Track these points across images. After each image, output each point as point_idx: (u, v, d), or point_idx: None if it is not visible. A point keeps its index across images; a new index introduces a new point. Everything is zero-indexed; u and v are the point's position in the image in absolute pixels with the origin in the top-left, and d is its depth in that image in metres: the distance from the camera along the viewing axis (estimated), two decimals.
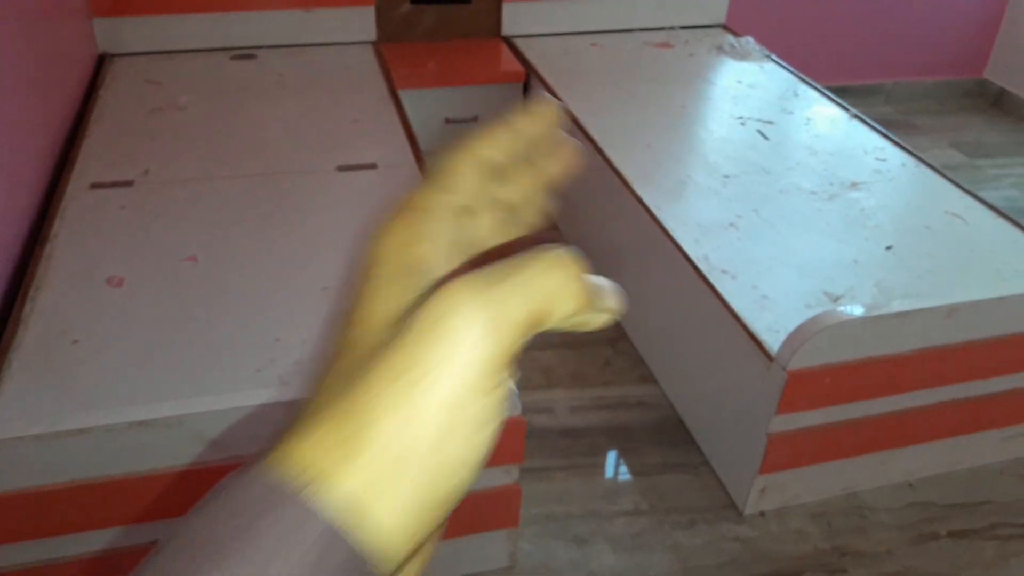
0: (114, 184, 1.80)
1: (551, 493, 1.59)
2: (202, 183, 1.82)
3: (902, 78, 3.35)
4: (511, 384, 1.08)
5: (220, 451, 1.14)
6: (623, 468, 1.65)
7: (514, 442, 1.26)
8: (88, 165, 1.87)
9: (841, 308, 1.38)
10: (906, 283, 1.63)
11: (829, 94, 2.41)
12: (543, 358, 1.92)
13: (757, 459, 1.48)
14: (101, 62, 2.39)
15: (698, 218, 1.79)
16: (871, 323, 1.37)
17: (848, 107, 2.33)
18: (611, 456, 1.68)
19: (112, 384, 1.28)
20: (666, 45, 2.72)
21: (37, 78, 1.87)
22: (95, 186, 1.79)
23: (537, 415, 1.76)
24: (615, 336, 2.00)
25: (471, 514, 1.33)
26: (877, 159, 2.07)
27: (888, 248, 1.73)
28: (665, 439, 1.72)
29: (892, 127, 3.11)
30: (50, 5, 2.09)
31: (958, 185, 1.96)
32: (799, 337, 1.35)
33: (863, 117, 2.27)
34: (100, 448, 1.09)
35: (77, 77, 2.20)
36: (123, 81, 2.29)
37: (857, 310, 1.38)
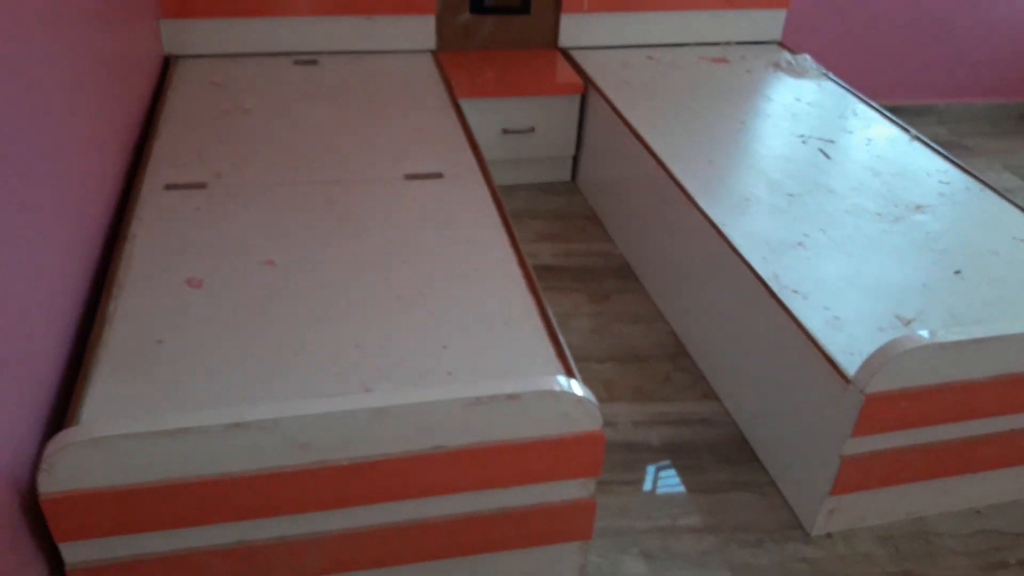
0: (188, 186, 1.83)
1: (615, 507, 1.60)
2: (273, 188, 1.84)
3: (955, 99, 3.33)
4: (591, 397, 1.09)
5: (310, 454, 1.15)
6: (689, 485, 1.65)
7: (593, 455, 1.27)
8: (161, 166, 1.90)
9: (920, 332, 1.37)
10: (978, 309, 1.62)
11: (888, 114, 2.40)
12: (603, 371, 1.92)
13: (828, 481, 1.48)
14: (167, 63, 2.43)
15: (765, 236, 1.79)
16: (950, 348, 1.37)
17: (908, 128, 2.32)
18: (675, 472, 1.68)
19: (199, 385, 1.30)
20: (723, 60, 2.72)
21: (109, 78, 1.90)
22: (169, 187, 1.82)
23: None
24: (675, 351, 2.00)
25: (546, 525, 1.34)
26: (940, 182, 2.06)
27: (957, 273, 1.72)
28: (729, 457, 1.72)
29: (945, 149, 3.10)
30: (119, 6, 2.12)
31: (1023, 210, 1.95)
32: (878, 360, 1.35)
33: (924, 138, 2.26)
34: (195, 448, 1.11)
35: (145, 78, 2.24)
36: (189, 83, 2.32)
37: (936, 335, 1.37)
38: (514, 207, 2.55)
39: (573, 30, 2.71)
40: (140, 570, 1.20)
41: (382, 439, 1.18)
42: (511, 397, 1.19)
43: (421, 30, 2.60)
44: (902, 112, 3.30)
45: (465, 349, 1.42)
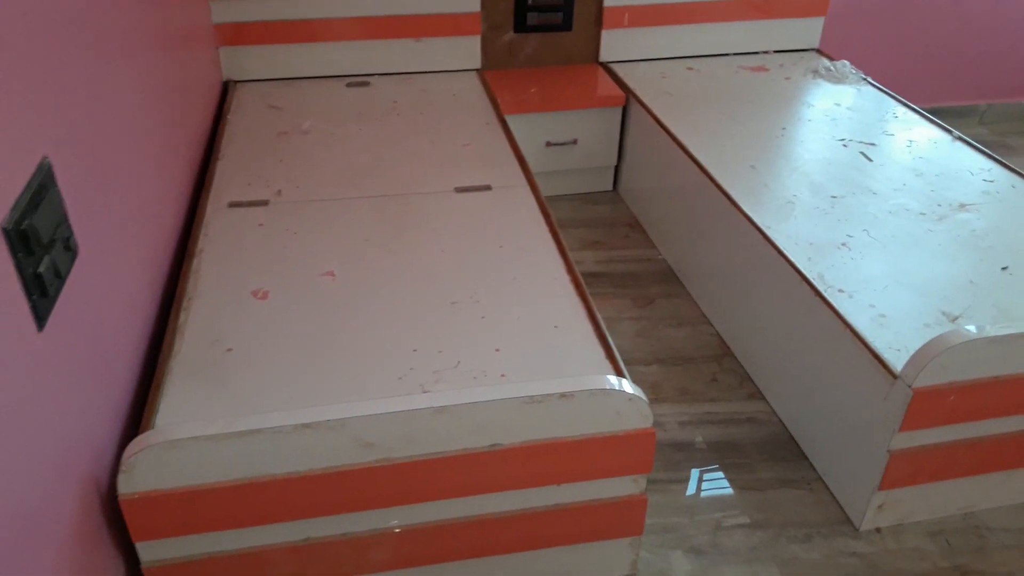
0: (251, 204, 1.92)
1: (667, 504, 1.64)
2: (331, 203, 1.93)
3: (996, 100, 3.31)
4: (642, 395, 1.14)
5: (374, 453, 1.22)
6: (737, 482, 1.69)
7: (644, 452, 1.32)
8: (224, 185, 2.00)
9: (967, 327, 1.40)
10: None
11: (930, 116, 2.41)
12: (649, 373, 1.97)
13: (877, 475, 1.50)
14: (226, 88, 2.55)
15: (809, 237, 1.82)
16: (997, 343, 1.39)
17: (951, 129, 2.33)
18: (723, 470, 1.72)
19: (267, 390, 1.38)
20: (761, 69, 2.76)
21: (173, 103, 2.01)
22: (233, 205, 1.92)
23: None
24: (720, 353, 2.04)
25: (599, 521, 1.39)
26: (985, 180, 2.07)
27: (1004, 269, 1.73)
28: (776, 455, 1.75)
29: (990, 148, 3.09)
30: (182, 36, 2.24)
31: None
32: (925, 355, 1.38)
33: (967, 139, 2.27)
34: (265, 449, 1.18)
35: (207, 102, 2.35)
36: (248, 106, 2.43)
37: (983, 330, 1.39)
38: (558, 216, 2.61)
39: (614, 45, 2.77)
40: (212, 567, 1.27)
41: (442, 437, 1.24)
42: (564, 396, 1.24)
43: (467, 50, 2.69)
44: (943, 114, 3.29)
45: (517, 352, 1.47)
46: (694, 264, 2.25)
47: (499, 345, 1.49)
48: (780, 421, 1.84)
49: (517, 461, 1.29)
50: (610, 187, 2.78)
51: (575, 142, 2.63)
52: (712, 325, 2.14)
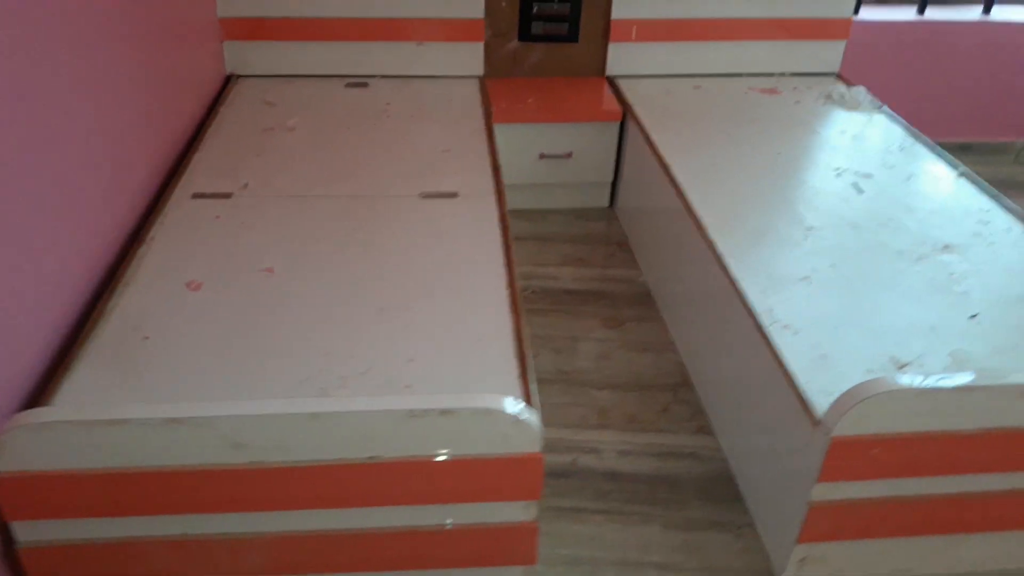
0: (214, 195, 1.94)
1: (583, 536, 1.58)
2: (294, 200, 1.93)
3: None
4: (534, 419, 1.09)
5: (246, 455, 1.20)
6: (662, 520, 1.61)
7: (530, 478, 1.27)
8: (195, 176, 2.02)
9: (897, 376, 1.30)
10: (985, 357, 1.52)
11: (939, 150, 2.28)
12: (600, 398, 1.91)
13: (796, 526, 1.42)
14: (228, 82, 2.58)
15: (770, 269, 1.74)
16: (928, 395, 1.29)
17: (957, 164, 2.20)
18: (653, 505, 1.65)
19: (171, 381, 1.38)
20: (773, 91, 2.66)
21: (164, 93, 2.05)
22: (196, 196, 1.93)
23: (584, 455, 1.75)
24: (679, 383, 1.96)
25: (488, 547, 1.34)
26: (979, 221, 1.95)
27: (973, 317, 1.62)
28: (712, 494, 1.67)
29: (1017, 188, 2.92)
30: (185, 29, 2.28)
31: None
32: (846, 402, 1.29)
33: (972, 175, 2.14)
34: (135, 440, 1.17)
35: (203, 94, 2.39)
36: (243, 100, 2.46)
37: (915, 380, 1.30)
38: (546, 230, 2.57)
39: (621, 59, 2.71)
40: (90, 554, 1.27)
41: (317, 445, 1.21)
42: (445, 412, 1.20)
43: (470, 56, 2.67)
44: (976, 150, 3.13)
45: (430, 364, 1.44)
46: (669, 289, 2.18)
47: (414, 355, 1.46)
48: (725, 459, 1.76)
49: (398, 476, 1.25)
50: (607, 203, 2.72)
51: (570, 155, 2.58)
52: (678, 353, 2.06)
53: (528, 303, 2.23)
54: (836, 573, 1.49)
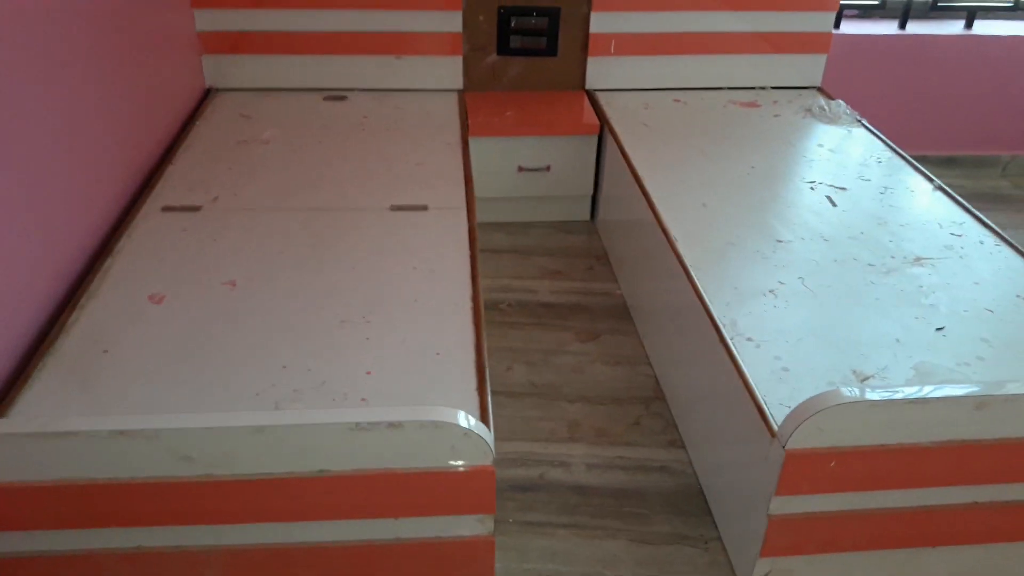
0: (183, 208, 1.94)
1: (548, 550, 1.56)
2: (263, 213, 1.93)
3: (1021, 151, 3.12)
4: (486, 432, 1.08)
5: (195, 467, 1.19)
6: (629, 534, 1.60)
7: (482, 491, 1.25)
8: (166, 189, 2.02)
9: (851, 388, 1.29)
10: (952, 368, 1.51)
11: (915, 163, 2.28)
12: (571, 410, 1.89)
13: (759, 540, 1.40)
14: (206, 95, 2.59)
15: (736, 282, 1.73)
16: (882, 408, 1.28)
17: (933, 178, 2.19)
18: (620, 519, 1.63)
19: (128, 393, 1.38)
20: (752, 105, 2.66)
21: (139, 107, 2.05)
22: (166, 209, 1.93)
23: (552, 469, 1.74)
24: (651, 396, 1.95)
25: (443, 561, 1.33)
26: (952, 234, 1.94)
27: (939, 329, 1.61)
28: (680, 508, 1.65)
29: (1004, 201, 2.92)
30: (162, 41, 2.29)
31: None
32: (799, 415, 1.28)
33: (947, 189, 2.14)
34: (82, 453, 1.16)
35: (180, 107, 2.39)
36: (220, 113, 2.47)
37: (868, 392, 1.28)
38: (525, 243, 2.56)
39: (600, 72, 2.71)
40: (43, 567, 1.26)
41: (265, 458, 1.20)
42: (393, 425, 1.19)
43: (449, 70, 2.67)
44: (962, 163, 3.12)
45: (388, 377, 1.43)
46: (644, 302, 2.17)
47: (373, 368, 1.45)
48: (694, 473, 1.74)
49: (348, 489, 1.24)
50: (587, 216, 2.72)
51: (548, 168, 2.58)
52: (652, 366, 2.05)
53: (504, 316, 2.23)
54: None
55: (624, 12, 2.62)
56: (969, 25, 3.02)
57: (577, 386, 1.97)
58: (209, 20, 2.52)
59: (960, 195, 2.11)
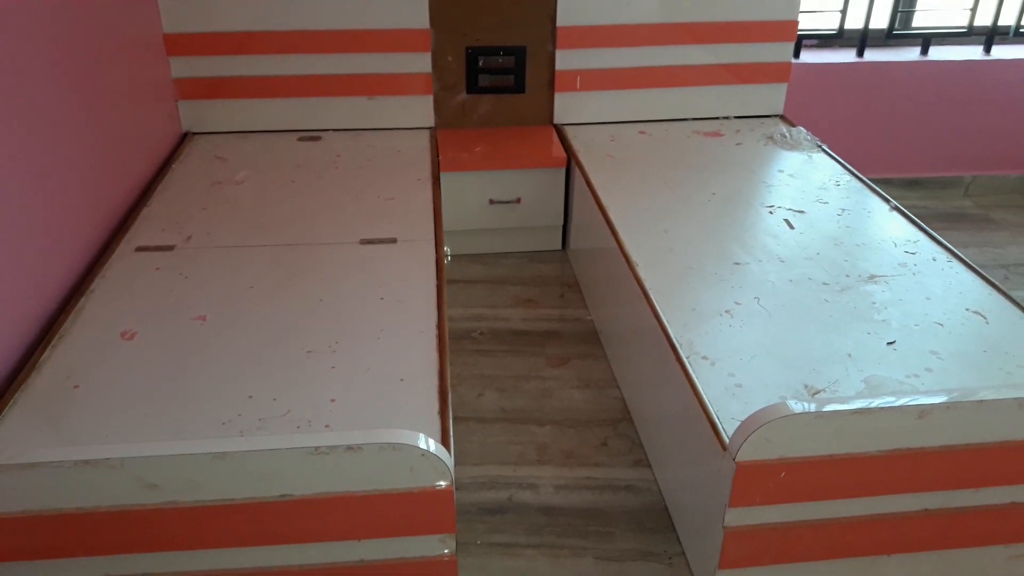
0: (157, 248, 1.99)
1: (515, 570, 1.59)
2: (235, 250, 1.98)
3: (983, 172, 3.20)
4: (444, 453, 1.12)
5: (160, 495, 1.23)
6: (594, 552, 1.63)
7: (442, 511, 1.29)
8: (141, 230, 2.07)
9: (795, 401, 1.33)
10: (901, 381, 1.56)
11: (873, 186, 2.35)
12: (540, 434, 1.93)
13: (716, 552, 1.43)
14: (183, 139, 2.65)
15: (694, 303, 1.78)
16: (828, 419, 1.32)
17: (889, 199, 2.26)
18: (586, 538, 1.66)
19: (95, 427, 1.41)
20: (716, 134, 2.74)
21: (114, 151, 2.11)
22: (140, 249, 1.98)
23: (520, 491, 1.77)
24: (619, 417, 1.99)
25: None
26: (906, 252, 2.00)
27: (890, 344, 1.66)
28: (645, 525, 1.69)
29: (965, 221, 2.99)
30: (138, 89, 2.36)
31: (989, 282, 1.87)
32: (748, 428, 1.32)
33: (903, 209, 2.20)
34: (49, 483, 1.20)
35: (156, 151, 2.45)
36: (195, 157, 2.53)
37: (812, 404, 1.33)
38: (498, 273, 2.61)
39: (567, 107, 2.79)
40: None
41: (227, 484, 1.24)
42: (352, 448, 1.23)
43: (421, 109, 2.75)
44: (925, 184, 3.20)
45: (351, 404, 1.47)
46: (611, 327, 2.22)
47: (337, 396, 1.49)
48: (659, 491, 1.78)
49: (310, 513, 1.27)
50: (559, 246, 2.78)
51: (518, 201, 2.64)
52: (619, 389, 2.10)
53: (477, 344, 2.27)
54: None
55: (588, 49, 2.71)
56: (925, 51, 3.12)
57: (547, 410, 2.01)
58: (184, 67, 2.60)
59: (924, 215, 2.18)
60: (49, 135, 1.78)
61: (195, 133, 2.70)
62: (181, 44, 2.57)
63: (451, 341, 2.21)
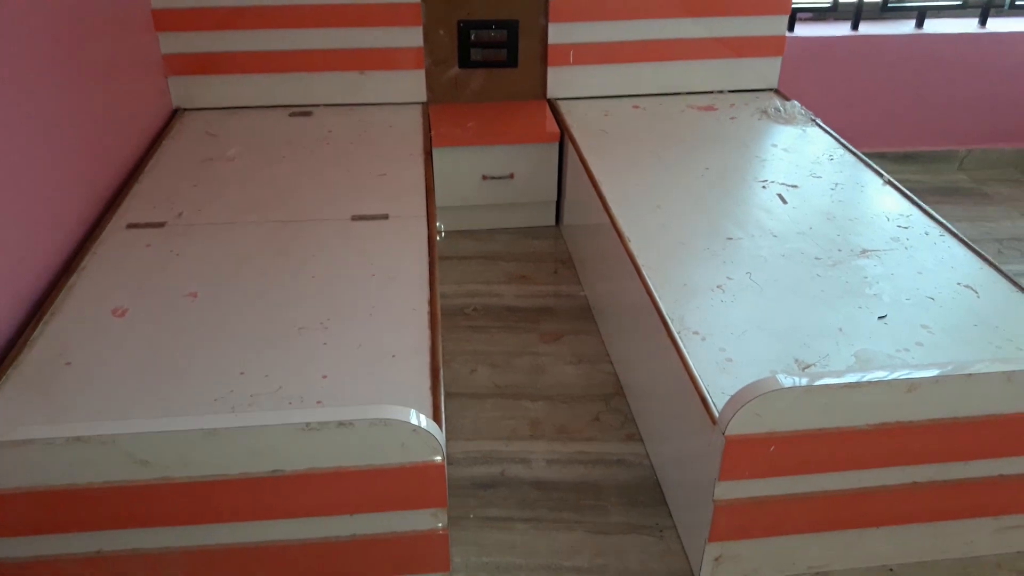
0: (147, 225, 1.98)
1: (508, 544, 1.60)
2: (225, 227, 1.97)
3: (978, 145, 3.20)
4: (436, 429, 1.13)
5: (152, 471, 1.23)
6: (585, 525, 1.64)
7: (433, 485, 1.29)
8: (131, 207, 2.06)
9: (784, 375, 1.34)
10: (891, 355, 1.56)
11: (866, 160, 2.34)
12: (533, 409, 1.94)
13: (707, 525, 1.45)
14: (174, 115, 2.63)
15: (686, 279, 1.78)
16: (815, 392, 1.33)
17: (882, 173, 2.26)
18: (577, 512, 1.67)
19: (88, 403, 1.41)
20: (710, 108, 2.73)
21: (104, 128, 2.10)
22: (131, 226, 1.98)
23: (513, 465, 1.78)
24: (611, 392, 2.00)
25: (400, 555, 1.37)
26: (899, 227, 2.00)
27: (881, 318, 1.67)
28: (636, 499, 1.70)
29: (959, 195, 2.99)
30: (128, 65, 2.34)
31: (982, 256, 1.87)
32: (737, 402, 1.33)
33: (896, 183, 2.20)
34: (41, 459, 1.20)
35: (146, 128, 2.44)
36: (186, 133, 2.51)
37: (802, 378, 1.33)
38: (492, 249, 2.61)
39: (561, 82, 2.77)
40: (3, 573, 1.29)
41: (218, 460, 1.24)
42: (343, 424, 1.24)
43: (412, 84, 2.73)
44: (920, 159, 3.19)
45: (343, 380, 1.48)
46: (604, 303, 2.22)
47: (328, 372, 1.50)
48: (651, 465, 1.79)
49: (302, 488, 1.28)
50: (553, 222, 2.77)
51: (511, 176, 2.63)
52: (612, 364, 2.10)
53: (470, 321, 2.27)
54: (752, 571, 1.52)
55: (582, 23, 2.68)
56: (920, 24, 3.10)
57: (540, 386, 2.02)
58: (174, 43, 2.57)
59: (918, 189, 2.18)
60: (37, 113, 1.76)
61: (186, 109, 2.68)
62: (170, 19, 2.54)
63: (444, 317, 2.21)
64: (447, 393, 1.94)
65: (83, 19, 2.02)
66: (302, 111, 2.68)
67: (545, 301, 2.36)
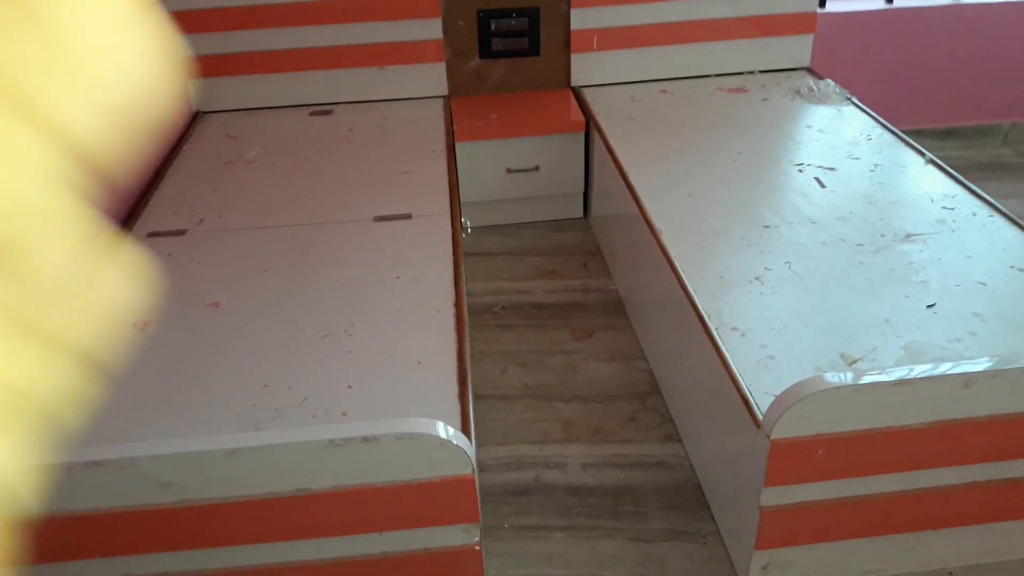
0: (169, 233, 1.95)
1: (545, 554, 1.55)
2: (247, 232, 1.93)
3: (1022, 118, 3.06)
4: (464, 441, 1.07)
5: (173, 493, 1.19)
6: (626, 532, 1.58)
7: (464, 500, 1.24)
8: (153, 214, 2.03)
9: (831, 374, 1.26)
10: (943, 346, 1.48)
11: (907, 138, 2.24)
12: (566, 410, 1.88)
13: (753, 532, 1.38)
14: (195, 119, 2.60)
15: (722, 271, 1.71)
16: (867, 391, 1.25)
17: (925, 152, 2.15)
18: (616, 518, 1.61)
19: (109, 420, 1.37)
20: (740, 90, 2.63)
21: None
22: (152, 235, 1.94)
23: (547, 470, 1.73)
24: (647, 390, 1.93)
25: (430, 572, 1.32)
26: (944, 208, 1.90)
27: (930, 307, 1.58)
28: (677, 504, 1.63)
29: (1006, 170, 2.86)
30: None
31: None
32: (782, 404, 1.25)
33: (938, 162, 2.10)
34: (62, 484, 1.17)
35: (166, 134, 2.40)
36: (207, 136, 2.48)
37: (849, 376, 1.26)
38: (519, 244, 2.55)
39: (585, 69, 2.69)
40: None
41: (242, 480, 1.20)
42: (367, 439, 1.19)
43: (433, 77, 2.67)
44: (961, 134, 3.07)
45: (369, 390, 1.43)
46: (636, 297, 2.15)
47: (353, 382, 1.45)
48: (692, 467, 1.72)
49: (328, 507, 1.24)
50: (581, 214, 2.70)
51: (537, 168, 2.56)
52: (647, 361, 2.03)
53: (498, 319, 2.22)
54: None
55: (604, 7, 2.60)
56: None
57: (572, 385, 1.96)
58: (192, 45, 2.53)
59: (961, 166, 2.07)
60: None
61: (206, 112, 2.64)
62: (187, 21, 2.50)
63: (472, 316, 2.16)
64: (476, 396, 1.89)
65: None
66: (322, 110, 2.63)
67: (574, 296, 2.30)
